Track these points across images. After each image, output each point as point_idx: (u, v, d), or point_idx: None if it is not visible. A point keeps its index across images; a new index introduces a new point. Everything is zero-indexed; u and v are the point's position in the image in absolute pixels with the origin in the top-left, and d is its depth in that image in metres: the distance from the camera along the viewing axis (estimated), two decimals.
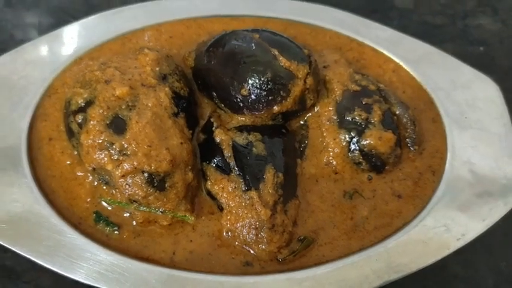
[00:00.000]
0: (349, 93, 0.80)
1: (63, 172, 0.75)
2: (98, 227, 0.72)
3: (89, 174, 0.74)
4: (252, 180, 0.71)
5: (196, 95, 0.82)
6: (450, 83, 0.86)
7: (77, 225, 0.71)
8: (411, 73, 0.87)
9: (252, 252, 0.71)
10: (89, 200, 0.74)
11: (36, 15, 1.03)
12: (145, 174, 0.69)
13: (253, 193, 0.70)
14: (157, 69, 0.76)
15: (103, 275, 0.67)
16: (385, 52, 0.89)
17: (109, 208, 0.73)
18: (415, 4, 1.09)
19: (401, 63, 0.88)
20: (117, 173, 0.69)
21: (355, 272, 0.69)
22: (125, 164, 0.68)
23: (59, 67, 0.83)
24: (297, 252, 0.71)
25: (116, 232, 0.71)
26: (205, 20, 0.89)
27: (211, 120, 0.78)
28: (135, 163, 0.68)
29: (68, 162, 0.76)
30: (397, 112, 0.80)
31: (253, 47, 0.76)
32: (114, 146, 0.69)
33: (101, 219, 0.72)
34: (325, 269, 0.69)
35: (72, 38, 0.86)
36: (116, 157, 0.69)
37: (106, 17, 0.88)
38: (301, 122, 0.81)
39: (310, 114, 0.80)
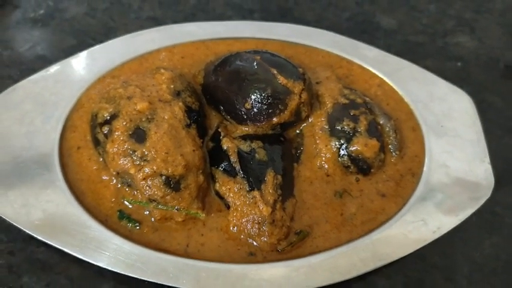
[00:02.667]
0: (338, 106, 0.90)
1: (90, 176, 0.85)
2: (121, 223, 0.81)
3: (113, 178, 0.84)
4: (254, 181, 0.82)
5: (205, 108, 0.92)
6: (428, 95, 0.96)
7: (103, 222, 0.79)
8: (394, 87, 0.97)
9: (255, 244, 0.79)
10: (113, 200, 0.82)
11: (61, 37, 1.14)
12: (163, 177, 0.79)
13: (255, 193, 0.81)
14: (172, 86, 0.87)
15: (127, 264, 0.74)
16: (371, 69, 0.99)
17: (131, 207, 0.82)
18: (399, 25, 1.18)
19: (385, 79, 0.98)
20: (139, 176, 0.79)
21: (345, 260, 0.76)
22: (146, 169, 0.79)
23: (84, 85, 0.93)
24: (294, 244, 0.80)
25: (137, 228, 0.80)
26: (212, 42, 1.01)
27: (219, 130, 0.89)
28: (155, 167, 0.79)
29: (95, 168, 0.85)
30: (381, 122, 0.91)
31: (255, 67, 0.87)
32: (136, 153, 0.80)
33: (124, 216, 0.82)
34: (319, 257, 0.77)
35: (95, 59, 0.96)
36: (137, 162, 0.79)
37: (125, 40, 0.99)
38: (297, 131, 0.91)
39: (305, 124, 0.91)
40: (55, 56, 1.02)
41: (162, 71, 0.89)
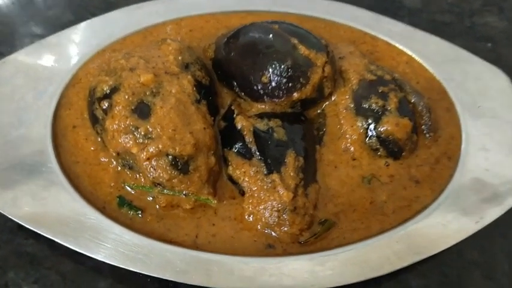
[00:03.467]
0: (365, 83, 0.82)
1: (87, 158, 0.77)
2: (121, 210, 0.73)
3: (112, 160, 0.75)
4: (273, 163, 0.73)
5: (216, 85, 0.84)
6: (462, 74, 0.88)
7: (101, 209, 0.72)
8: (424, 65, 0.89)
9: (274, 234, 0.71)
10: (112, 184, 0.75)
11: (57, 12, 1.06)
12: (170, 157, 0.70)
13: (275, 176, 0.72)
14: (179, 58, 0.79)
15: (128, 256, 0.67)
16: (398, 45, 0.91)
17: (132, 192, 0.74)
18: (423, 3, 1.12)
19: (414, 56, 0.90)
20: (142, 156, 0.70)
21: (377, 253, 0.69)
22: (150, 147, 0.70)
23: (82, 58, 0.85)
24: (318, 235, 0.72)
25: (139, 216, 0.72)
26: (223, 15, 0.92)
27: (232, 108, 0.80)
28: (160, 146, 0.70)
29: (92, 149, 0.77)
30: (413, 100, 0.82)
31: (273, 38, 0.79)
32: (139, 130, 0.71)
33: (124, 203, 0.73)
34: (347, 250, 0.69)
35: (95, 32, 0.88)
36: (141, 140, 0.71)
37: (128, 11, 0.91)
38: (319, 111, 0.82)
39: (327, 102, 0.82)
40: (51, 34, 0.93)
41: (169, 41, 0.80)
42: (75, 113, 0.80)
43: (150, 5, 0.93)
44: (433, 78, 0.88)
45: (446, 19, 1.08)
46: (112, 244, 0.68)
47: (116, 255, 0.67)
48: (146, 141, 0.70)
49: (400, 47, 0.91)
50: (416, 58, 0.90)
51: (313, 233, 0.72)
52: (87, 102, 0.78)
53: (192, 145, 0.71)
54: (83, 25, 0.89)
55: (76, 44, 0.87)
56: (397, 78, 0.84)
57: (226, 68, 0.81)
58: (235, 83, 0.81)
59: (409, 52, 0.90)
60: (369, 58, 0.88)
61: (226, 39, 0.83)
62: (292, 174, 0.72)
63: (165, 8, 0.92)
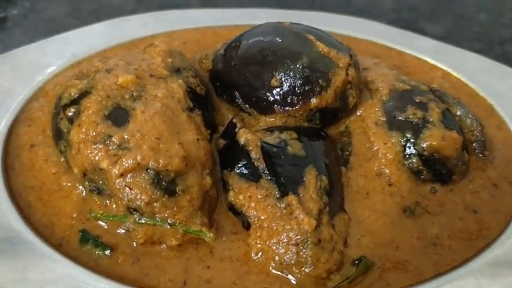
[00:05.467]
0: (397, 93, 0.66)
1: (45, 182, 0.59)
2: (84, 249, 0.54)
3: (77, 184, 0.58)
4: (288, 184, 0.55)
5: (214, 100, 0.68)
6: (509, 90, 0.74)
7: (57, 246, 0.53)
8: (463, 79, 0.75)
9: (291, 278, 0.52)
10: (75, 215, 0.57)
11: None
12: (151, 173, 0.53)
13: (291, 198, 0.54)
14: (169, 60, 0.64)
15: None
16: (430, 60, 0.78)
17: (102, 225, 0.55)
18: (448, 31, 1.01)
19: (449, 71, 0.77)
20: (114, 170, 0.53)
21: None
22: (125, 160, 0.53)
23: (51, 71, 0.71)
24: (352, 279, 0.52)
25: (107, 255, 0.53)
26: (222, 28, 0.79)
27: (234, 121, 0.63)
28: (139, 158, 0.53)
29: (53, 171, 0.60)
30: (458, 113, 0.66)
31: (284, 35, 0.65)
32: (112, 139, 0.54)
33: (88, 239, 0.55)
34: None
35: (70, 44, 0.75)
36: (114, 152, 0.54)
37: (111, 24, 0.78)
38: (342, 129, 0.67)
39: (352, 118, 0.66)
40: None
41: (157, 43, 0.66)
42: (36, 129, 0.64)
43: (137, 18, 0.80)
44: (476, 94, 0.74)
45: (475, 47, 0.96)
46: None
47: None
48: (120, 152, 0.53)
49: (433, 62, 0.78)
50: (454, 73, 0.76)
51: (346, 277, 0.52)
52: (52, 115, 0.63)
53: (181, 158, 0.54)
54: (56, 37, 0.76)
55: (45, 57, 0.73)
56: (436, 89, 0.69)
57: (227, 77, 0.66)
58: (237, 94, 0.65)
59: (444, 67, 0.77)
60: (397, 72, 0.74)
61: (226, 45, 0.69)
62: (313, 196, 0.54)
63: (155, 20, 0.79)
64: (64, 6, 0.98)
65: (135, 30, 0.78)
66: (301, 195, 0.54)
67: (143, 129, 0.55)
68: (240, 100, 0.65)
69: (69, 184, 0.59)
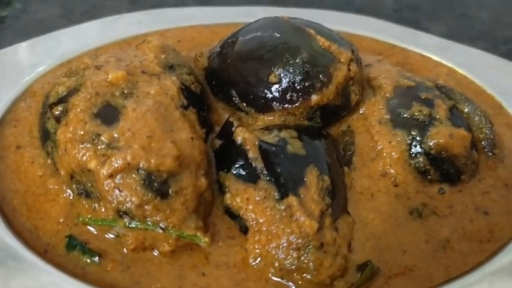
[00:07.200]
0: (401, 89, 0.63)
1: (30, 186, 0.56)
2: (70, 255, 0.51)
3: (64, 187, 0.55)
4: (288, 184, 0.52)
5: (209, 99, 0.66)
6: None
7: (41, 253, 0.50)
8: (469, 77, 0.73)
9: (292, 286, 0.49)
10: (61, 220, 0.53)
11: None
12: (142, 174, 0.49)
13: (291, 199, 0.50)
14: (162, 56, 0.61)
15: None
16: (434, 57, 0.75)
17: (90, 230, 0.52)
18: (451, 30, 0.98)
19: (455, 67, 0.74)
20: (102, 171, 0.50)
21: None
22: (115, 159, 0.49)
23: (40, 70, 0.68)
24: (357, 285, 0.49)
25: (96, 262, 0.50)
26: (219, 26, 0.76)
27: (231, 119, 0.60)
28: (129, 157, 0.49)
29: (39, 174, 0.57)
30: (466, 110, 0.63)
31: (283, 29, 0.62)
32: (101, 138, 0.51)
33: (75, 245, 0.51)
34: None
35: (60, 42, 0.72)
36: (102, 151, 0.50)
37: (103, 22, 0.76)
38: (343, 128, 0.64)
39: (354, 116, 0.63)
40: None
41: (149, 39, 0.63)
42: (23, 130, 0.61)
43: (130, 16, 0.78)
44: (483, 92, 0.71)
45: (478, 46, 0.94)
46: None
47: None
48: (110, 151, 0.50)
49: (437, 59, 0.75)
50: (459, 70, 0.73)
51: (350, 283, 0.49)
52: (39, 115, 0.60)
53: (174, 158, 0.50)
54: (45, 36, 0.73)
55: (34, 55, 0.70)
56: (442, 85, 0.66)
57: (223, 75, 0.63)
58: (234, 92, 0.62)
59: (449, 64, 0.74)
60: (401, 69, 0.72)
61: (222, 42, 0.66)
62: (315, 197, 0.51)
63: (149, 18, 0.76)
64: (56, 7, 0.96)
65: (129, 28, 0.75)
66: (302, 196, 0.51)
67: (134, 128, 0.52)
68: (237, 98, 0.62)
69: (56, 187, 0.56)
